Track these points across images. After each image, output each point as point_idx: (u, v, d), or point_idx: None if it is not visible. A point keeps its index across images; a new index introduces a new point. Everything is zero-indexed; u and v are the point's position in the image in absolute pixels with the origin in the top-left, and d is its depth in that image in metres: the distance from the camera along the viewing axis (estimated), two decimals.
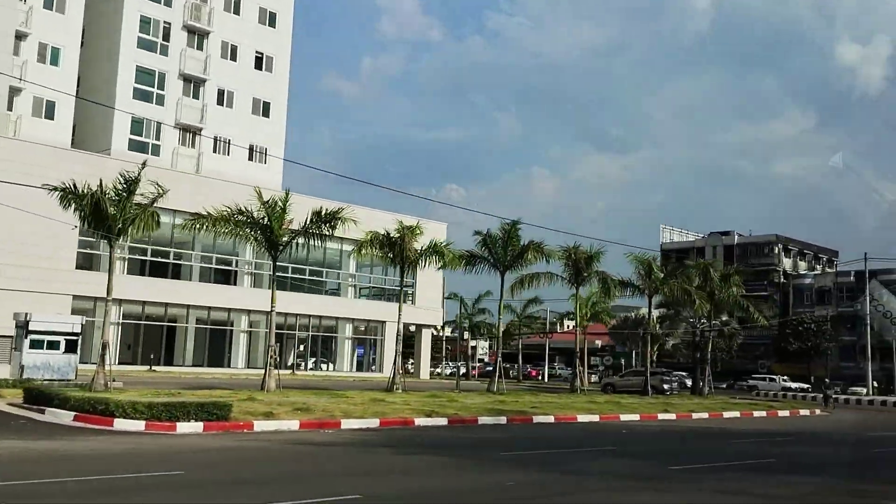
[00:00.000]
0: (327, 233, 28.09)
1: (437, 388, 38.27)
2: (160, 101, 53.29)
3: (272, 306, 28.02)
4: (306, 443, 15.69)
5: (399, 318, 33.49)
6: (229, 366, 48.93)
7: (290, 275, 51.54)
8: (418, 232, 32.03)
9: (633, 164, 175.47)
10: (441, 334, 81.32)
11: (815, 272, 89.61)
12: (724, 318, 47.50)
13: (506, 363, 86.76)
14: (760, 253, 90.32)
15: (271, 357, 27.43)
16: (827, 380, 49.41)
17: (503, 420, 23.65)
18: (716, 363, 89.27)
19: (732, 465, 13.26)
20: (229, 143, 56.17)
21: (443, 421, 22.10)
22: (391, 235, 31.53)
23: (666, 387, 46.22)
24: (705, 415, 30.83)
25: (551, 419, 24.93)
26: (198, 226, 26.63)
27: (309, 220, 27.90)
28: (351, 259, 54.64)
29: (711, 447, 17.33)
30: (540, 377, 73.60)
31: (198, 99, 54.97)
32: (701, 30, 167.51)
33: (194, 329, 48.53)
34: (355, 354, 57.91)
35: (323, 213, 27.80)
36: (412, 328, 62.80)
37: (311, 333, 53.61)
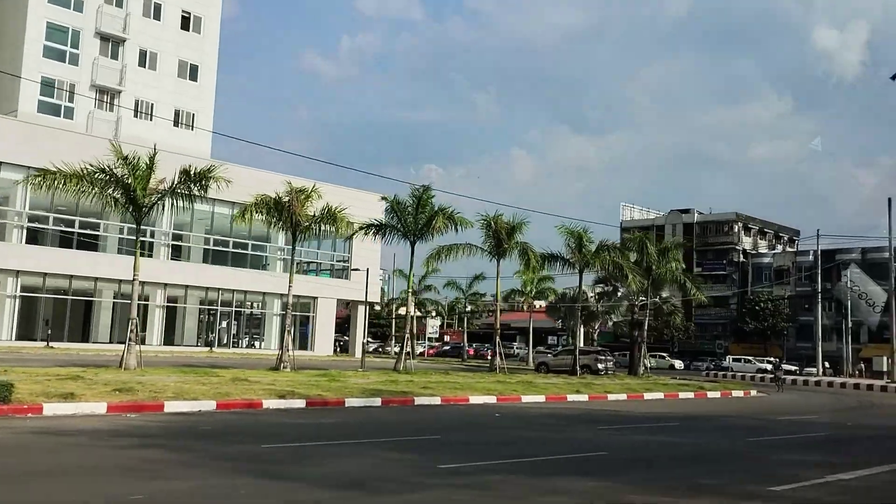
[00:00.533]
0: (199, 193, 25.13)
1: (346, 366, 35.53)
2: (74, 60, 49.79)
3: (135, 275, 25.07)
4: (62, 432, 12.84)
5: (290, 289, 30.62)
6: (110, 341, 46.04)
7: (212, 247, 48.58)
8: (315, 196, 29.14)
9: (611, 146, 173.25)
10: (387, 310, 78.76)
11: (775, 251, 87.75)
12: (665, 294, 45.05)
13: (472, 342, 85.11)
14: (720, 231, 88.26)
15: (132, 332, 24.53)
16: (776, 360, 47.31)
17: (377, 402, 20.94)
18: (673, 343, 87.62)
19: (537, 462, 10.53)
20: (152, 108, 52.89)
21: (299, 403, 19.33)
22: (281, 199, 28.60)
23: (600, 366, 43.74)
24: (623, 396, 28.46)
25: (437, 401, 22.30)
26: (45, 183, 23.57)
27: (177, 179, 24.94)
28: (280, 233, 51.70)
29: (554, 437, 14.41)
30: (489, 357, 71.10)
31: (116, 59, 51.45)
32: (679, 13, 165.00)
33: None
34: (297, 332, 55.11)
35: (192, 171, 24.84)
36: (348, 305, 60.23)
37: (233, 309, 50.70)
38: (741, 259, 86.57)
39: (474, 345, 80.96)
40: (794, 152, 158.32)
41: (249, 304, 52.13)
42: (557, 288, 59.44)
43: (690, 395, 32.00)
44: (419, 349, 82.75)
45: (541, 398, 25.47)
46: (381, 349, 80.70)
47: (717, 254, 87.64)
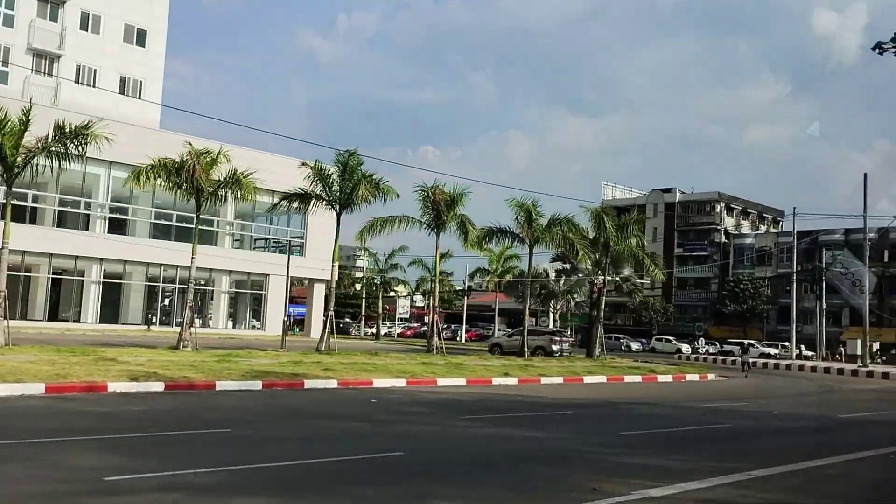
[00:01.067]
0: (76, 152, 22.54)
1: (275, 346, 33.04)
2: (9, 21, 46.96)
3: (4, 243, 22.51)
4: None
5: (192, 262, 28.05)
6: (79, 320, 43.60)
7: (153, 220, 46.05)
8: (222, 160, 26.54)
9: (608, 128, 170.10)
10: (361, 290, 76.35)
11: (758, 232, 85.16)
12: (627, 272, 42.51)
13: (452, 323, 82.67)
14: (702, 211, 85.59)
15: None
16: (745, 342, 44.94)
17: (257, 385, 18.57)
18: (652, 325, 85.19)
19: (283, 468, 8.15)
20: (95, 74, 50.12)
21: (156, 386, 16.92)
22: (184, 162, 25.95)
23: (555, 348, 41.28)
24: (559, 380, 26.02)
25: (333, 384, 19.92)
26: None
27: (51, 136, 22.35)
28: (229, 205, 49.07)
29: (371, 431, 11.64)
30: (457, 338, 68.75)
31: (56, 22, 48.61)
32: None
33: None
34: (247, 311, 52.81)
35: (68, 128, 22.25)
36: (304, 282, 57.81)
37: (177, 286, 48.18)
38: (723, 240, 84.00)
39: (453, 326, 78.52)
40: (792, 136, 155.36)
41: (195, 281, 49.60)
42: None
43: (638, 378, 29.63)
44: (398, 329, 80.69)
45: (461, 381, 23.10)
46: (354, 330, 78.55)
47: (699, 234, 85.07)
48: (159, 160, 25.88)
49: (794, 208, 56.57)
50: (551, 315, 60.41)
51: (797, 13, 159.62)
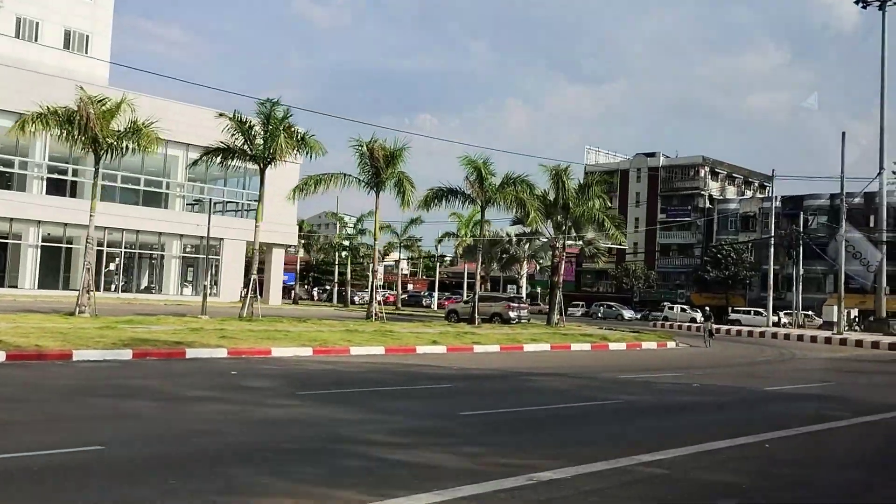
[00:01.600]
0: None
1: (215, 312, 30.84)
2: None
3: None
4: None
5: (91, 222, 25.70)
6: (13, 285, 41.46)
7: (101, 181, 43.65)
8: (127, 107, 24.15)
9: (606, 95, 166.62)
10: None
11: (742, 197, 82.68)
12: (590, 235, 40.22)
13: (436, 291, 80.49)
14: (686, 176, 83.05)
15: None
16: (706, 309, 42.32)
17: (125, 354, 16.56)
18: (633, 292, 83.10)
19: None
20: (37, 28, 47.45)
21: None
22: (80, 110, 23.54)
23: (512, 314, 39.28)
24: (496, 348, 24.07)
25: (223, 353, 17.99)
26: None
27: None
28: (179, 165, 46.77)
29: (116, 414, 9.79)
30: (428, 305, 66.68)
31: None
32: None
33: None
34: (189, 275, 50.65)
35: None
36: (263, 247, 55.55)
37: (123, 250, 46.02)
38: (707, 205, 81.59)
39: (435, 293, 76.19)
40: (791, 103, 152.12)
41: (143, 245, 47.42)
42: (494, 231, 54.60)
43: (587, 346, 27.61)
44: (378, 297, 78.17)
45: (379, 350, 21.18)
46: (329, 297, 76.51)
47: (683, 199, 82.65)
48: (48, 108, 23.47)
49: (773, 170, 54.31)
50: (524, 281, 58.30)
51: None
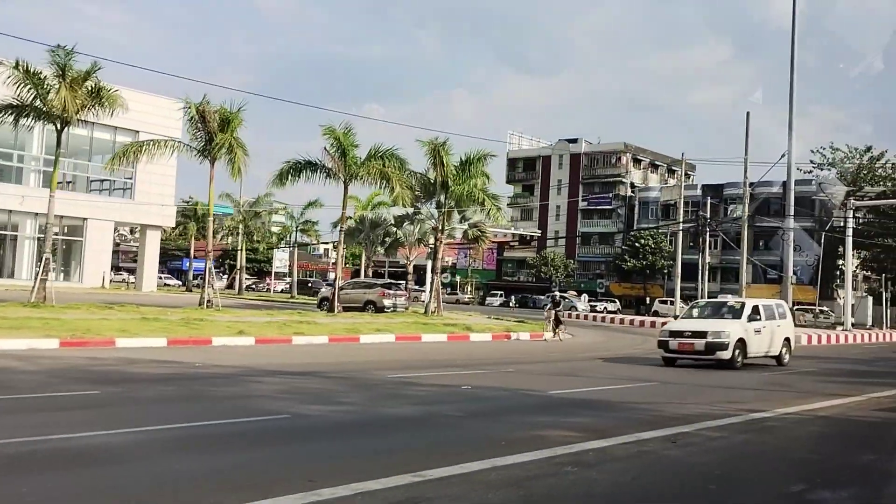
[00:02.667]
0: None
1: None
2: None
3: None
4: None
5: None
6: None
7: None
8: None
9: (554, 88, 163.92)
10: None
11: (663, 185, 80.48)
12: (477, 217, 36.80)
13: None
14: (608, 163, 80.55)
15: None
16: (556, 295, 38.69)
17: None
18: (552, 282, 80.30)
19: None
20: None
21: None
22: None
23: (387, 302, 35.73)
24: (323, 339, 20.95)
25: None
26: None
27: None
28: (34, 138, 41.96)
29: None
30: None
31: None
32: None
33: None
34: (62, 260, 45.77)
35: None
36: (136, 229, 51.04)
37: None
38: (629, 192, 79.22)
39: (334, 280, 72.01)
40: (734, 99, 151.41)
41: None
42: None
43: (442, 337, 24.28)
44: (281, 286, 73.69)
45: (160, 342, 17.54)
46: (254, 286, 72.08)
47: (604, 187, 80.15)
48: None
49: (683, 153, 51.94)
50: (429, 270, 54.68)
51: None
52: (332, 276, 64.59)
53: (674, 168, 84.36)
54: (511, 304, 70.66)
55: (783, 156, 42.16)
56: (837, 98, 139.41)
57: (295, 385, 11.63)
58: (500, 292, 79.15)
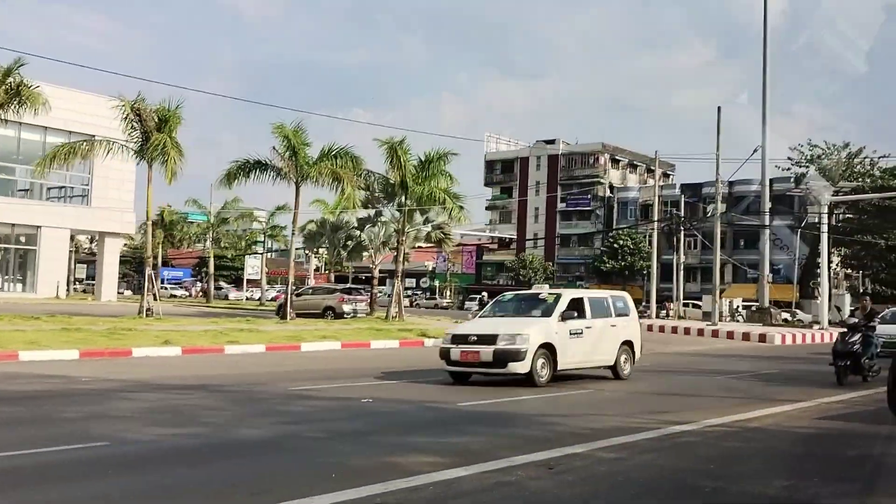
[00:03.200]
0: None
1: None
2: None
3: None
4: None
5: None
6: None
7: None
8: None
9: (540, 91, 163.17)
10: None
11: (642, 186, 79.46)
12: (441, 218, 35.48)
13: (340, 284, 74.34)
14: (586, 163, 79.47)
15: None
16: (485, 296, 37.60)
17: None
18: (529, 285, 79.11)
19: None
20: None
21: None
22: None
23: (347, 308, 34.47)
24: (260, 348, 19.38)
25: None
26: None
27: None
28: None
29: None
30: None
31: None
32: None
33: None
34: (13, 270, 44.27)
35: None
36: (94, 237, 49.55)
37: None
38: (607, 193, 78.16)
39: (288, 286, 70.21)
40: (718, 100, 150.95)
41: None
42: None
43: (394, 343, 23.17)
44: (272, 293, 71.94)
45: (74, 354, 16.16)
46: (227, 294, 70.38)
47: (583, 187, 79.04)
48: None
49: (657, 151, 50.60)
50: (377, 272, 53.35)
51: None
52: (311, 282, 63.15)
53: (653, 168, 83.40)
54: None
55: (756, 150, 41.28)
56: (822, 98, 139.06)
57: (169, 402, 10.27)
58: (479, 296, 77.84)
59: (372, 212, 36.70)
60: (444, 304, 74.87)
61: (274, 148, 29.34)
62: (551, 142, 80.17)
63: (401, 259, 33.86)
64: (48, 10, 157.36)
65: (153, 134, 24.99)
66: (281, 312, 35.12)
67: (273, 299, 51.81)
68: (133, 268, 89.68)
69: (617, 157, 79.28)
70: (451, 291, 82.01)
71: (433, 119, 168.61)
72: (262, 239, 58.72)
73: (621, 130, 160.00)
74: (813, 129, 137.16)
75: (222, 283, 77.30)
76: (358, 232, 39.15)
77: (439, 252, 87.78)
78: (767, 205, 44.74)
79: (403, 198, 33.71)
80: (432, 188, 33.14)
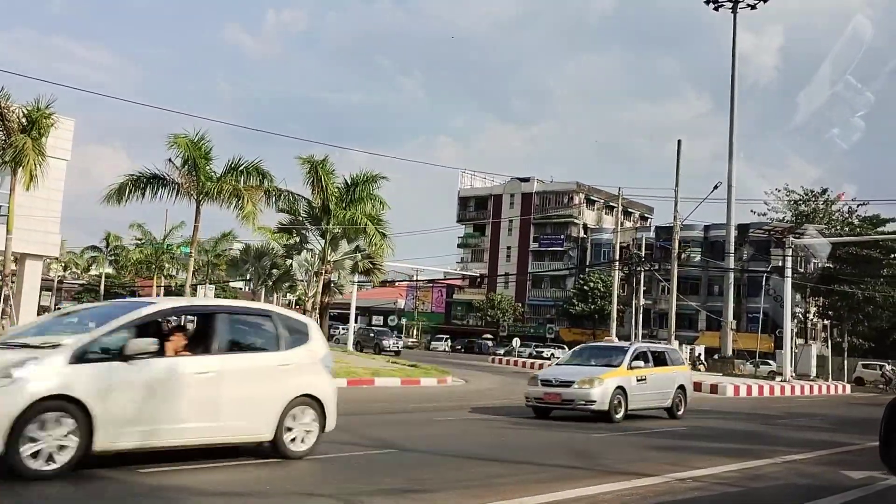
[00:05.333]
0: None
1: None
2: None
3: None
4: None
5: None
6: None
7: None
8: None
9: (536, 136, 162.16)
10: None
11: (616, 228, 76.66)
12: (369, 251, 32.41)
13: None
14: (560, 203, 76.86)
15: None
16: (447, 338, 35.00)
17: None
18: (500, 326, 75.76)
19: None
20: None
21: None
22: None
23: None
24: None
25: None
26: None
27: None
28: None
29: None
30: None
31: None
32: (605, 9, 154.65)
33: None
34: None
35: None
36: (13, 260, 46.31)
37: None
38: (581, 234, 75.37)
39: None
40: (711, 151, 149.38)
41: None
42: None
43: None
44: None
45: None
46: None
47: (556, 227, 76.32)
48: None
49: (620, 188, 47.88)
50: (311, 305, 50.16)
51: (718, 33, 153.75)
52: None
53: (630, 210, 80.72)
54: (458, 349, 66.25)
55: (716, 187, 38.51)
56: (819, 154, 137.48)
57: None
58: (446, 336, 74.54)
59: (296, 238, 33.70)
60: (410, 344, 71.51)
61: (170, 160, 26.48)
62: (526, 180, 77.62)
63: (318, 290, 30.77)
64: (51, 43, 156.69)
65: (16, 135, 22.10)
66: None
67: None
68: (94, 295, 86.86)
69: (592, 198, 76.65)
70: (418, 331, 78.72)
71: (430, 161, 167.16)
72: (153, 263, 53.33)
73: (614, 177, 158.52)
74: (809, 184, 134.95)
75: None
76: (289, 261, 36.07)
77: (409, 288, 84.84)
78: (732, 246, 41.94)
79: (325, 223, 30.82)
80: (354, 213, 30.23)
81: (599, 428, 13.08)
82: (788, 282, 35.03)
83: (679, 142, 38.00)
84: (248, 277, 39.12)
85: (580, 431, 12.78)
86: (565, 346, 66.97)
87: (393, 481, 7.42)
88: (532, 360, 48.65)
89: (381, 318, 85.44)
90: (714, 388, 28.33)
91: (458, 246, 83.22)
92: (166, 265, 54.02)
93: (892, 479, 8.86)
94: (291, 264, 36.44)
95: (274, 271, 36.10)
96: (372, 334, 47.79)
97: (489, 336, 71.82)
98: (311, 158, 29.74)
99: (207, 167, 27.02)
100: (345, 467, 8.18)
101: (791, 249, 35.77)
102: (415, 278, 72.65)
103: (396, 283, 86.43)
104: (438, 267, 73.32)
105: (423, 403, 17.61)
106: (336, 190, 30.57)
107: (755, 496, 7.51)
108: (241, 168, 27.45)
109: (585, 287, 67.31)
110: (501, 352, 60.09)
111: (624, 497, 7.11)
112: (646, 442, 11.69)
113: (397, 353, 41.32)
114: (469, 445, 10.49)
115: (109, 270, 61.98)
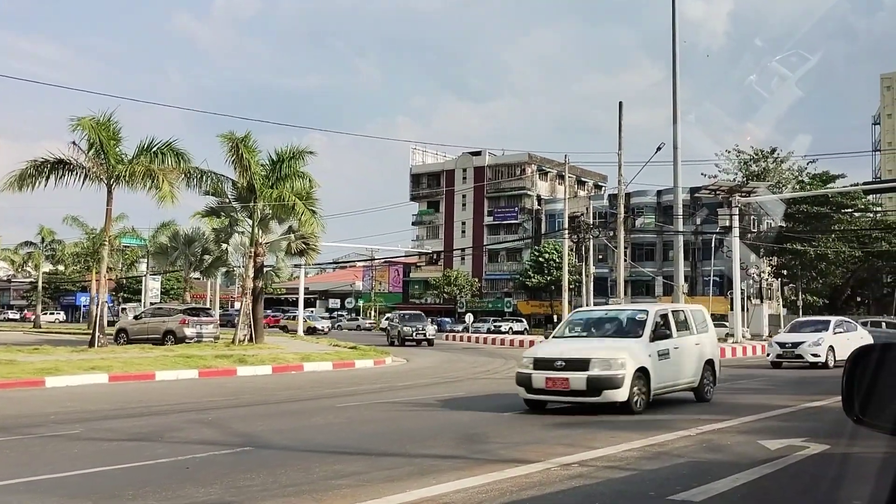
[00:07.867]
0: None
1: None
2: None
3: None
4: None
5: None
6: None
7: None
8: None
9: (494, 113, 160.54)
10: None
11: (570, 197, 75.75)
12: (301, 230, 30.79)
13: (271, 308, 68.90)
14: (513, 175, 75.72)
15: None
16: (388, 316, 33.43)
17: None
18: (458, 303, 74.62)
19: None
20: None
21: None
22: None
23: (189, 332, 29.59)
24: None
25: None
26: None
27: None
28: None
29: None
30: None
31: None
32: None
33: None
34: None
35: None
36: None
37: None
38: (535, 206, 74.40)
39: (269, 311, 64.67)
40: (667, 120, 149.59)
41: None
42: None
43: (193, 373, 18.58)
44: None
45: None
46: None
47: (510, 200, 75.25)
48: None
49: (567, 155, 46.80)
50: (250, 292, 48.61)
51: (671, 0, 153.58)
52: (214, 304, 57.82)
53: (583, 179, 79.91)
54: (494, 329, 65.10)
55: (659, 148, 37.40)
56: (775, 113, 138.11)
57: None
58: (389, 314, 73.29)
59: (226, 221, 32.01)
60: (367, 325, 70.10)
61: (74, 143, 24.64)
62: (477, 153, 76.25)
63: (250, 273, 29.15)
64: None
65: None
66: (121, 338, 30.42)
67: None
68: (49, 294, 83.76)
69: (545, 169, 75.61)
70: (374, 312, 77.33)
71: (389, 142, 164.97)
72: (90, 255, 50.77)
73: (575, 149, 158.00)
74: (762, 146, 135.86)
75: (123, 305, 71.65)
76: (223, 245, 34.34)
77: (366, 269, 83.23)
78: (680, 209, 40.99)
79: (252, 203, 29.17)
80: (280, 191, 28.63)
81: (517, 406, 11.77)
82: (736, 241, 34.27)
83: (620, 104, 36.89)
84: (177, 265, 37.24)
85: (491, 411, 11.54)
86: (523, 320, 66.20)
87: (207, 491, 6.08)
88: (486, 336, 47.66)
89: (339, 300, 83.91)
90: None
91: (413, 224, 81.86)
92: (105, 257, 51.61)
93: (811, 449, 7.76)
94: (227, 249, 34.72)
95: (206, 257, 34.31)
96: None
97: (446, 316, 70.68)
98: (232, 135, 28.01)
99: (117, 149, 25.28)
100: (166, 474, 6.81)
101: (737, 208, 34.95)
102: (372, 259, 71.20)
103: (348, 266, 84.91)
104: (394, 247, 71.98)
105: (342, 388, 16.35)
106: (261, 168, 28.93)
107: (636, 482, 6.28)
108: (154, 149, 25.73)
109: (541, 259, 66.41)
110: (459, 328, 59.03)
111: (480, 493, 5.85)
112: (555, 420, 10.49)
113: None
114: (348, 437, 9.19)
115: (48, 267, 59.59)
